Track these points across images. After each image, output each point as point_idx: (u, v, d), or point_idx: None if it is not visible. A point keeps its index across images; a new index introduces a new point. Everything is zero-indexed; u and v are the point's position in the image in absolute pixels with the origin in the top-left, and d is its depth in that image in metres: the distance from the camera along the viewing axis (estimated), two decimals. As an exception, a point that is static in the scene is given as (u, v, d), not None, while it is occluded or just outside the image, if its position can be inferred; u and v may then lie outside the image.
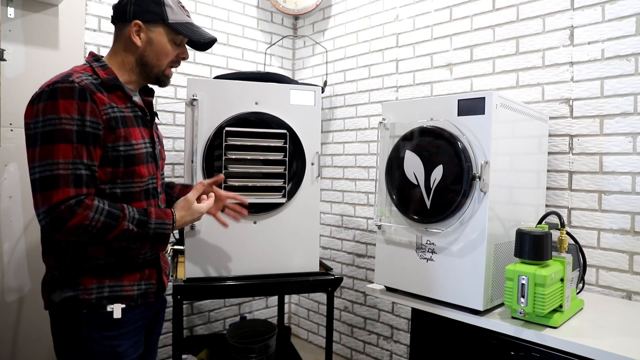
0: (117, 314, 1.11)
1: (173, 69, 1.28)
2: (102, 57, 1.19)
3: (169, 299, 1.45)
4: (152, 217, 1.11)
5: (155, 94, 2.23)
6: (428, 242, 1.40)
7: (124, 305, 1.12)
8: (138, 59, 1.19)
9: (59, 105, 1.00)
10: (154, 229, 1.11)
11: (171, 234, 1.17)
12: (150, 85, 1.31)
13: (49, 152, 1.00)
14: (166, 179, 1.50)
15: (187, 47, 1.29)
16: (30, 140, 1.03)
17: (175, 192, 1.47)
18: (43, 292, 1.14)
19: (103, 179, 1.09)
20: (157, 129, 1.33)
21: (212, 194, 1.30)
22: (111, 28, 1.23)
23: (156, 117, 1.31)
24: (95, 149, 1.05)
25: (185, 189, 1.46)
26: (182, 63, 2.36)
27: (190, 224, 1.33)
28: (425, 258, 1.41)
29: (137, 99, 1.24)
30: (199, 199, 1.26)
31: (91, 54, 1.19)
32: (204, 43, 1.27)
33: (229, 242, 1.63)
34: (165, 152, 2.33)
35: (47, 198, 0.99)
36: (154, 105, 1.31)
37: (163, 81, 1.27)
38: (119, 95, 1.14)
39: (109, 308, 1.10)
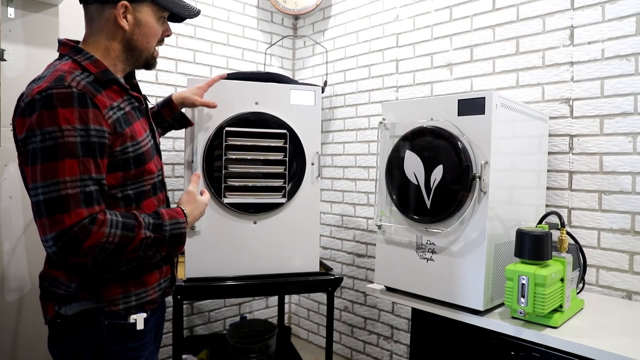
0: (140, 325, 1.05)
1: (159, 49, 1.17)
2: (80, 45, 1.05)
3: (169, 299, 1.45)
4: (165, 219, 1.04)
5: (155, 94, 2.27)
6: (428, 242, 1.40)
7: (145, 315, 1.07)
8: (125, 45, 1.06)
9: (58, 115, 0.88)
10: (169, 231, 1.04)
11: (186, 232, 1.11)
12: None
13: (53, 169, 0.88)
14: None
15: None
16: (29, 158, 0.90)
17: (176, 108, 1.49)
18: (48, 305, 1.03)
19: (114, 184, 1.01)
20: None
21: (205, 191, 1.27)
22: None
23: (147, 102, 1.22)
24: (102, 159, 0.95)
25: (169, 104, 1.49)
26: (183, 63, 2.38)
27: (196, 221, 1.23)
28: (425, 258, 1.41)
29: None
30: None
31: (65, 44, 1.04)
32: (188, 16, 1.17)
33: (229, 242, 1.62)
34: (166, 152, 2.35)
35: (58, 222, 0.88)
36: (140, 89, 1.21)
37: (152, 64, 1.15)
38: (115, 90, 1.03)
39: (131, 319, 1.04)
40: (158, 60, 1.18)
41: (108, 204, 1.00)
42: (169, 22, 1.18)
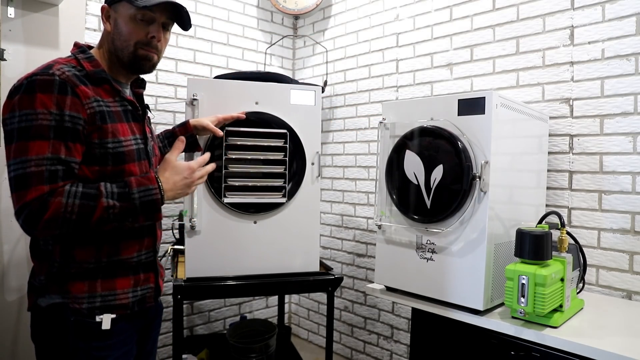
0: (106, 325, 1.05)
1: (154, 54, 1.13)
2: (90, 48, 1.12)
3: (169, 299, 1.45)
4: (133, 187, 1.01)
5: (155, 94, 2.27)
6: (428, 242, 1.40)
7: (114, 316, 1.06)
8: (111, 46, 1.10)
9: (36, 99, 0.94)
10: (139, 199, 1.02)
11: (162, 199, 1.06)
12: (142, 76, 1.23)
13: (24, 149, 0.94)
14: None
15: (169, 30, 1.17)
16: (7, 137, 0.96)
17: (190, 129, 1.48)
18: (29, 294, 1.09)
19: (89, 177, 1.02)
20: (149, 124, 1.25)
21: (203, 158, 1.21)
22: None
23: (148, 111, 1.23)
24: (75, 144, 0.98)
25: (184, 125, 1.49)
26: (183, 63, 2.38)
27: (186, 190, 1.15)
28: (425, 258, 1.41)
29: (127, 92, 1.16)
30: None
31: (76, 45, 1.11)
32: (153, 5, 1.08)
33: (229, 242, 1.62)
34: (165, 152, 2.34)
35: (21, 197, 0.93)
36: (144, 99, 1.24)
37: (138, 63, 1.11)
38: (106, 89, 1.07)
39: (97, 318, 1.04)
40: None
41: None
42: (177, 28, 1.19)
